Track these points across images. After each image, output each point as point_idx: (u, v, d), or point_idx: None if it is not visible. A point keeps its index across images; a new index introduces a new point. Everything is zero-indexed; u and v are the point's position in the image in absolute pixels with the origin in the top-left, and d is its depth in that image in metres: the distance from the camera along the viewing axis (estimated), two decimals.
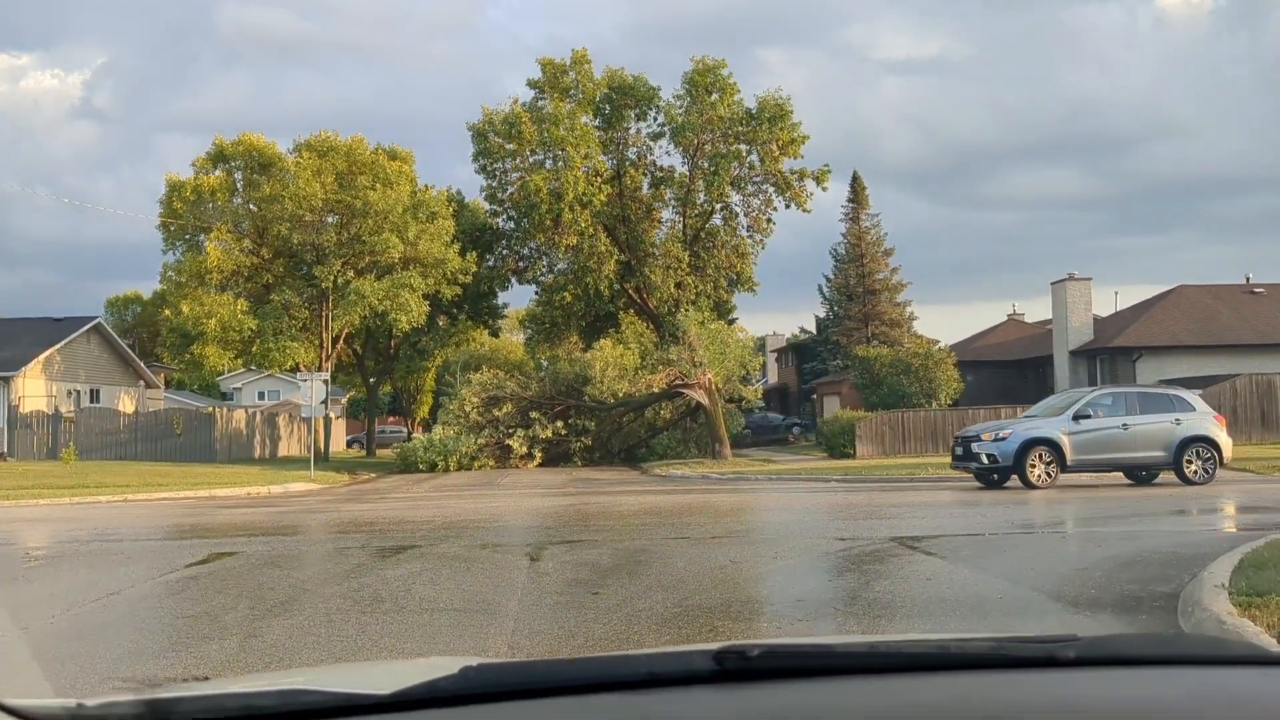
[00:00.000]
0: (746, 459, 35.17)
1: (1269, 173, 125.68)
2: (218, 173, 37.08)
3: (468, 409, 37.90)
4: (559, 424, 37.53)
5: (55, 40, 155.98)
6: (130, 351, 48.87)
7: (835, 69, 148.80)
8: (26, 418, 40.23)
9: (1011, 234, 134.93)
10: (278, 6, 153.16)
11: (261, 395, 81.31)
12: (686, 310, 41.34)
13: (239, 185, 37.89)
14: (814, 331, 73.07)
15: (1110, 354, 40.77)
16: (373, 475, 35.27)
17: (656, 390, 37.08)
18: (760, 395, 41.30)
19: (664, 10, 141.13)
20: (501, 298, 50.45)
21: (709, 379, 35.39)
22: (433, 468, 35.89)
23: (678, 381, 35.72)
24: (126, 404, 47.99)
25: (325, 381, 31.39)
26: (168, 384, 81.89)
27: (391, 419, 78.16)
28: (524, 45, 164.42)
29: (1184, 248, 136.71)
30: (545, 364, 51.56)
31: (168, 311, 37.86)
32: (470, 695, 1.41)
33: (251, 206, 38.08)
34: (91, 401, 46.34)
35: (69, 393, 44.51)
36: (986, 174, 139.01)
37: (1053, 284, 43.82)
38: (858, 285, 50.67)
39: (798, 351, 71.16)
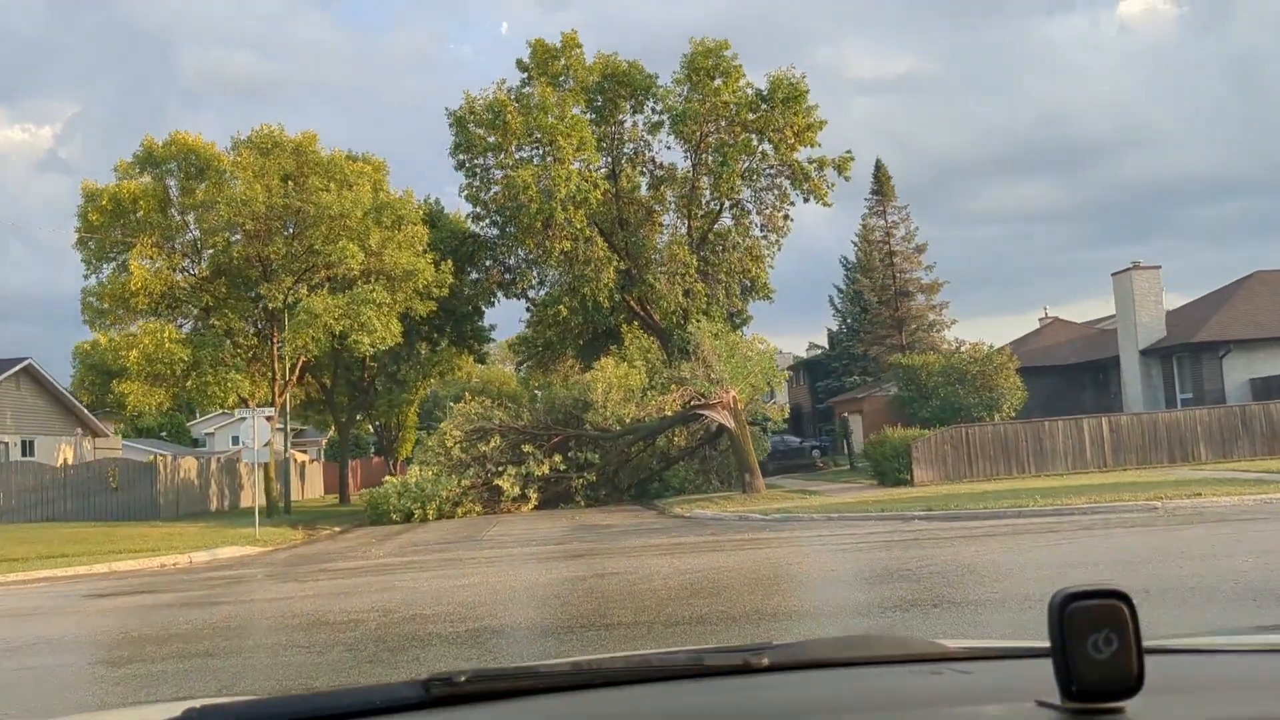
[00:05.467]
0: (780, 490, 29.52)
1: (1246, 176, 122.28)
2: (146, 178, 31.43)
3: (449, 444, 32.22)
4: (557, 458, 31.85)
5: (23, 95, 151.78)
6: (71, 396, 43.07)
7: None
8: None
9: (995, 248, 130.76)
10: (238, 48, 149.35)
11: (235, 440, 75.48)
12: (698, 320, 35.82)
13: (173, 193, 32.22)
14: (826, 346, 67.87)
15: (1192, 351, 35.21)
16: (335, 529, 29.50)
17: (670, 413, 31.43)
18: (785, 415, 35.70)
19: (631, 38, 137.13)
20: (488, 318, 44.82)
21: (732, 397, 29.75)
22: (408, 517, 30.16)
23: (695, 402, 30.08)
24: (68, 455, 42.23)
25: (269, 418, 25.70)
26: (139, 432, 76.08)
27: (376, 460, 72.05)
28: (492, 79, 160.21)
29: (1168, 256, 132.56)
30: (539, 393, 46.01)
31: (84, 345, 32.08)
32: None
33: (187, 217, 32.39)
34: (25, 454, 40.57)
35: None
36: (964, 189, 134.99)
37: (1114, 275, 38.35)
38: (888, 287, 45.02)
39: (810, 369, 66.11)
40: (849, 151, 39.40)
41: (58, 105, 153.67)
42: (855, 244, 65.97)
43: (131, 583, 16.41)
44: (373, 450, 74.76)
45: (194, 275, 32.85)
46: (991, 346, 34.99)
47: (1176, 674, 1.73)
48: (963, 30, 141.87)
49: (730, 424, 29.49)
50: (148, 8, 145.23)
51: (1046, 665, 1.41)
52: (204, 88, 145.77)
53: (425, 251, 34.12)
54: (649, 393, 33.10)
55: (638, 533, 19.82)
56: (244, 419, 27.03)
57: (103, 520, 33.19)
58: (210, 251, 32.66)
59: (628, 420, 32.28)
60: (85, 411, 43.46)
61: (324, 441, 74.25)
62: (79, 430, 42.89)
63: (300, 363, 34.45)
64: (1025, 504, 19.07)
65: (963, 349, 37.88)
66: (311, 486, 57.34)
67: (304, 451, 64.98)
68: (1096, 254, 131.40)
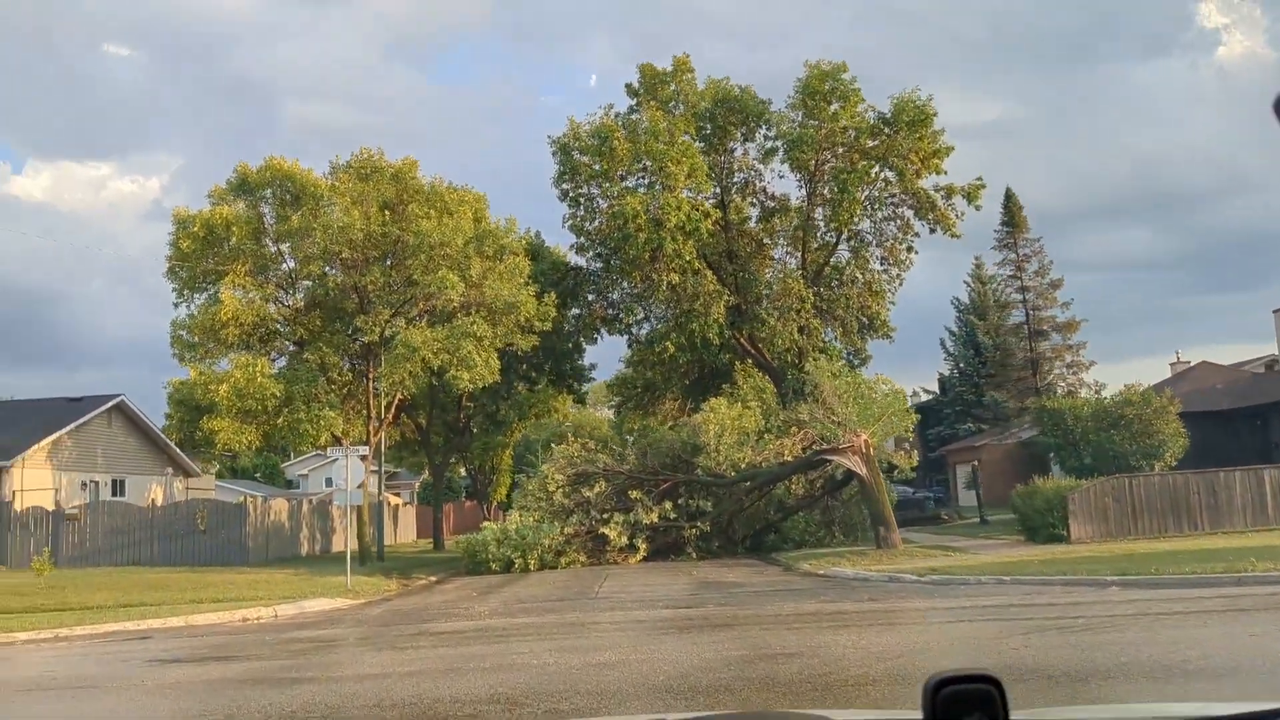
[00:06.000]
0: (915, 546, 26.61)
1: None
2: (240, 205, 30.03)
3: (551, 489, 30.01)
4: (666, 505, 29.40)
5: (133, 149, 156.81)
6: (163, 435, 41.94)
7: None
8: (22, 516, 33.21)
9: (1090, 296, 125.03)
10: (335, 101, 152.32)
11: (329, 482, 74.42)
12: (815, 359, 33.23)
13: (267, 221, 30.75)
14: (937, 391, 64.54)
15: None
16: (431, 578, 27.38)
17: (790, 458, 28.80)
18: (914, 463, 32.65)
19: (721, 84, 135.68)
20: (588, 357, 42.71)
21: (864, 441, 27.02)
22: (508, 567, 27.93)
23: (823, 447, 27.41)
24: (158, 495, 41.03)
25: (363, 457, 23.71)
26: (234, 473, 75.35)
27: (469, 504, 70.21)
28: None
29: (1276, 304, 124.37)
30: (629, 439, 43.58)
31: (174, 381, 30.62)
32: None
33: (282, 246, 30.86)
34: (115, 493, 39.41)
35: (83, 484, 37.63)
36: (1056, 236, 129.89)
37: (1277, 312, 34.87)
38: (1020, 326, 41.75)
39: (918, 415, 62.52)
40: (980, 178, 36.63)
41: (165, 158, 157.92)
42: (968, 284, 62.93)
43: (205, 643, 14.33)
44: (464, 494, 73.00)
45: (288, 307, 31.30)
46: (1149, 389, 31.60)
47: None
48: (1053, 77, 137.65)
49: (862, 471, 26.75)
50: (252, 65, 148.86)
51: None
52: (303, 139, 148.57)
53: (527, 283, 32.15)
54: (765, 436, 30.59)
55: (777, 595, 17.22)
56: (336, 459, 25.23)
57: (190, 564, 31.59)
58: (306, 283, 31.14)
59: (743, 465, 29.74)
60: (176, 450, 42.29)
61: (417, 484, 72.78)
62: (169, 470, 41.72)
63: (396, 400, 32.64)
64: (1241, 568, 16.06)
65: (1103, 392, 34.60)
66: (404, 530, 55.68)
67: (397, 494, 63.39)
68: (1200, 301, 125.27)
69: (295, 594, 21.52)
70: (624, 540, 28.53)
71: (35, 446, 34.54)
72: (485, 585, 23.74)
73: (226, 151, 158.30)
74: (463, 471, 63.27)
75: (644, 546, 28.75)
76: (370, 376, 30.98)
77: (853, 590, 17.51)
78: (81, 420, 37.21)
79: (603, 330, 39.29)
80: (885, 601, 15.16)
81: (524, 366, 40.61)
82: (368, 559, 31.34)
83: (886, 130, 36.00)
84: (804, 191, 38.04)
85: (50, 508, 33.85)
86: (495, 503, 59.14)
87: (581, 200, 35.85)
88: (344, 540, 42.60)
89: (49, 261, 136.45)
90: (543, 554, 28.10)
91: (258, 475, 77.65)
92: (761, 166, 38.72)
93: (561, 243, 41.21)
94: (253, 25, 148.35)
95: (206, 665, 11.68)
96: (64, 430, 36.27)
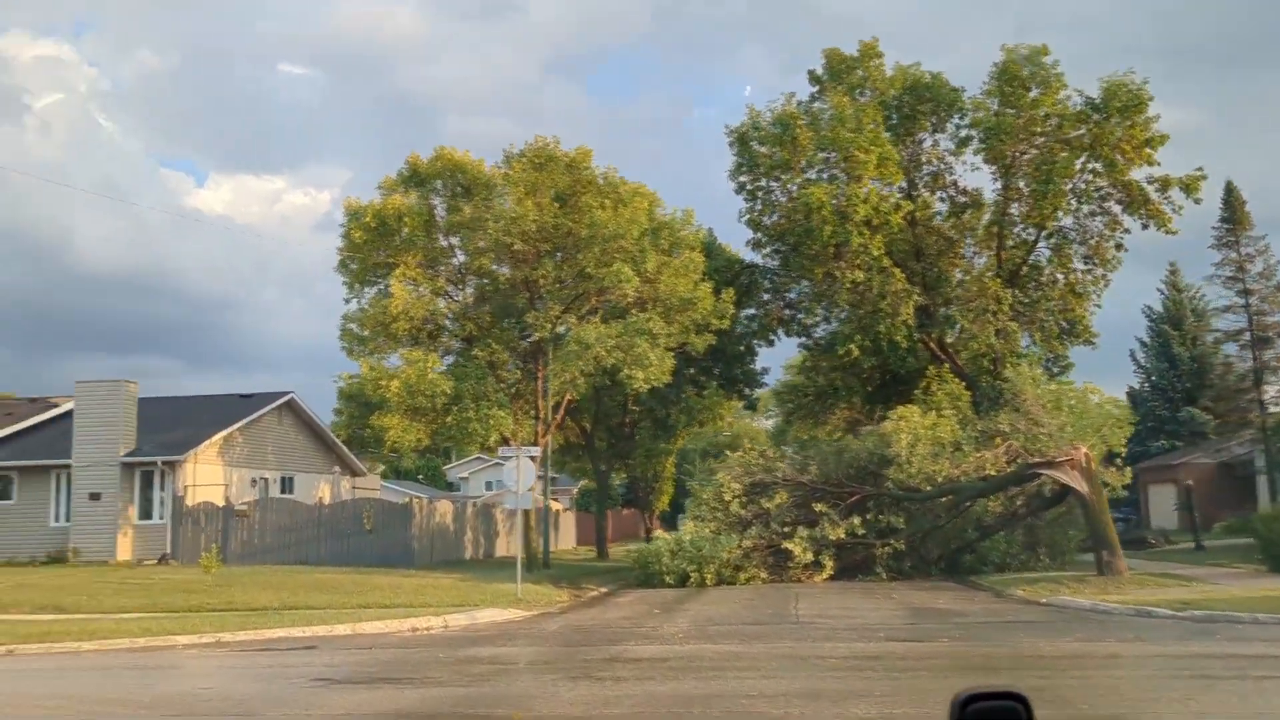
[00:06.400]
0: (1144, 575, 23.53)
1: None
2: (411, 197, 29.11)
3: (727, 498, 28.02)
4: (854, 520, 27.04)
5: (308, 163, 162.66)
6: (330, 433, 41.76)
7: None
8: (193, 511, 33.09)
9: None
10: (493, 115, 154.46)
11: (489, 485, 74.24)
12: (1015, 364, 30.36)
13: (438, 213, 29.77)
14: (1127, 405, 60.04)
15: None
16: (601, 589, 25.74)
17: (993, 472, 26.04)
18: (1128, 479, 29.29)
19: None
20: (758, 361, 40.50)
21: (1085, 455, 24.14)
22: (683, 580, 26.06)
23: (1035, 460, 24.63)
24: (325, 494, 40.79)
25: (533, 458, 22.21)
26: (397, 474, 75.80)
27: (627, 511, 68.78)
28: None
29: None
30: (787, 449, 41.14)
31: (345, 375, 29.87)
32: None
33: (453, 240, 29.82)
34: (284, 490, 39.27)
35: (253, 481, 37.50)
36: None
37: None
38: (1235, 333, 37.79)
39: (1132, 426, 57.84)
40: (1200, 168, 33.02)
41: (335, 172, 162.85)
42: (1162, 291, 58.20)
43: (374, 658, 12.88)
44: (621, 502, 71.66)
45: (457, 302, 30.25)
46: None
47: None
48: (1227, 81, 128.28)
49: (1083, 488, 23.88)
50: (417, 83, 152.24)
51: None
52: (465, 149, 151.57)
53: (703, 279, 30.29)
54: (962, 448, 27.90)
55: (1011, 628, 14.82)
56: (501, 462, 23.89)
57: (356, 564, 30.75)
58: (474, 279, 30.06)
59: (939, 479, 27.10)
60: (344, 449, 42.04)
61: (575, 490, 71.83)
62: (337, 469, 41.42)
63: (565, 401, 31.24)
64: None
65: None
66: (564, 537, 54.59)
67: (557, 500, 62.48)
68: None
69: (464, 602, 20.19)
70: (809, 557, 26.34)
71: (207, 442, 34.41)
72: (662, 600, 21.93)
73: (392, 165, 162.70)
74: (619, 479, 61.87)
75: (830, 564, 26.51)
76: (540, 375, 29.65)
77: (1102, 625, 14.97)
78: (253, 416, 37.06)
79: (779, 332, 37.10)
80: (1161, 643, 12.63)
81: (693, 370, 38.82)
82: (534, 566, 29.98)
83: (1095, 117, 32.78)
84: (998, 185, 35.10)
85: (220, 503, 33.66)
86: (657, 512, 57.51)
87: (759, 194, 33.84)
88: (507, 545, 41.64)
89: (227, 270, 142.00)
90: (720, 568, 26.15)
91: (420, 477, 77.96)
92: (952, 158, 35.93)
93: (732, 241, 39.37)
94: (418, 43, 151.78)
95: (377, 690, 10.12)
96: (235, 426, 36.14)
